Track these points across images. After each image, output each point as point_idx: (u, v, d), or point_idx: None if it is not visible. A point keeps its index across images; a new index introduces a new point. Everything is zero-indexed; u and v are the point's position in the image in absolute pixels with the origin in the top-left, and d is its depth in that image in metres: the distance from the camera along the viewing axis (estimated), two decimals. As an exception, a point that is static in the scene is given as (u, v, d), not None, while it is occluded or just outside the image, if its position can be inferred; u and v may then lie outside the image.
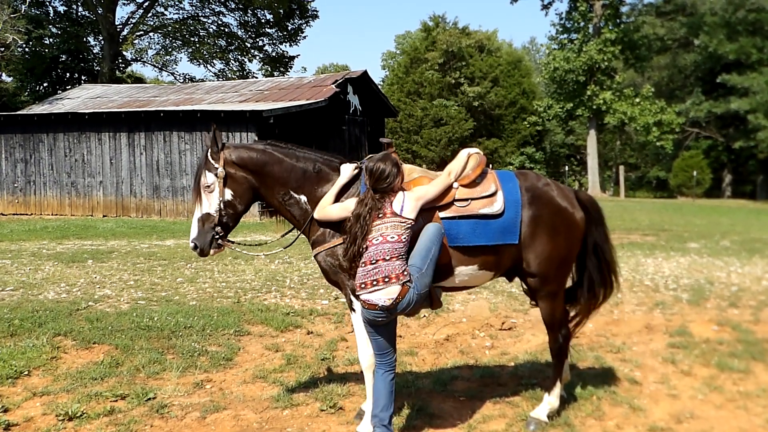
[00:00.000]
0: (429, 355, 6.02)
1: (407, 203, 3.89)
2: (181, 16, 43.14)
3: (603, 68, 42.69)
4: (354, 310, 4.16)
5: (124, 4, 41.43)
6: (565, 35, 45.24)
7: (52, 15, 39.83)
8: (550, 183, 4.38)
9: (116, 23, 40.02)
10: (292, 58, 45.54)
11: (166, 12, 43.26)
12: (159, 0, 41.58)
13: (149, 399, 4.72)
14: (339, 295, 7.99)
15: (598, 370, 5.51)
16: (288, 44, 44.89)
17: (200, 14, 43.45)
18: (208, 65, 45.06)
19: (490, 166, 4.42)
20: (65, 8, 40.71)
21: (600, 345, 6.26)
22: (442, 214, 4.08)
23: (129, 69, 47.21)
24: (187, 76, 45.30)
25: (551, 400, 4.44)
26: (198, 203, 4.12)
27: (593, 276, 4.54)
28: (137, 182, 22.57)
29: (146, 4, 41.17)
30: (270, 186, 4.21)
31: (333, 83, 26.20)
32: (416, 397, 4.78)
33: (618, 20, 43.07)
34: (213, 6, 43.15)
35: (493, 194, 4.14)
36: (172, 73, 46.50)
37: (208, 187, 4.08)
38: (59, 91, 36.10)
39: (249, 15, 43.18)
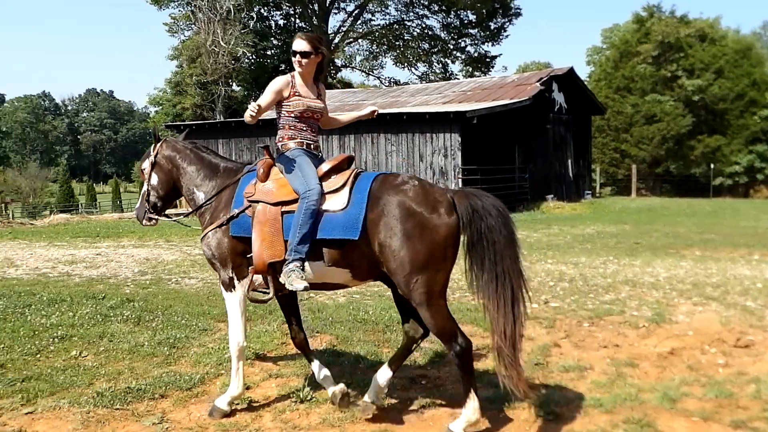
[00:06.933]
0: (652, 368, 5.60)
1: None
2: (387, 21, 44.93)
3: None
4: (234, 288, 4.42)
5: (335, 13, 44.03)
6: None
7: (273, 28, 43.63)
8: (408, 183, 4.05)
9: (329, 32, 42.79)
10: (494, 57, 45.37)
11: (373, 18, 45.36)
12: (367, 7, 43.70)
13: (369, 390, 4.90)
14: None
15: None
16: (490, 44, 44.81)
17: (405, 18, 44.91)
18: (412, 68, 46.45)
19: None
20: (284, 21, 44.38)
21: None
22: (286, 209, 4.22)
23: (339, 75, 50.25)
24: (391, 80, 47.11)
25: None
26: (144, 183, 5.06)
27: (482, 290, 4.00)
28: (347, 181, 23.90)
29: (355, 12, 43.49)
30: (181, 179, 4.88)
31: (537, 81, 25.65)
32: (641, 412, 4.46)
33: None
34: (417, 9, 44.37)
35: (339, 190, 4.16)
36: (378, 77, 48.62)
37: (144, 170, 4.99)
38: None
39: (452, 16, 43.75)
